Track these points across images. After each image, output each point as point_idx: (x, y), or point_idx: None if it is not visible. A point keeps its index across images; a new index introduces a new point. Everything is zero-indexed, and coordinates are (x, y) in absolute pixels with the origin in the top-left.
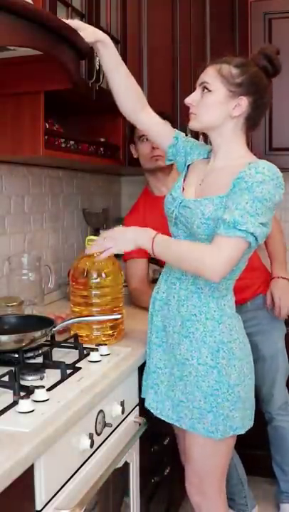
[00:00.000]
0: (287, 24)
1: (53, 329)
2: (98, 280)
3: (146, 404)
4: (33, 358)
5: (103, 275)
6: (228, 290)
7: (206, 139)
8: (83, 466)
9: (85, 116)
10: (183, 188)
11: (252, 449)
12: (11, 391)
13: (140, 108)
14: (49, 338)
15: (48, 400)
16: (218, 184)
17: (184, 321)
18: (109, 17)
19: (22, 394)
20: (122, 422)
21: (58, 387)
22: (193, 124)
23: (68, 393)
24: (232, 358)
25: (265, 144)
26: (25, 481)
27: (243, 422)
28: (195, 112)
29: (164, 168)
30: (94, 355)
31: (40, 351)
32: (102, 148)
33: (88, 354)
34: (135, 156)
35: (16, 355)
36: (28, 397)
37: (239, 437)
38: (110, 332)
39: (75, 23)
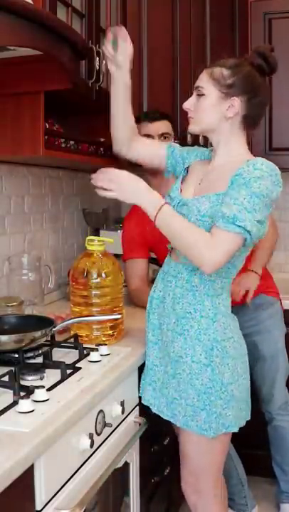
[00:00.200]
0: (287, 24)
1: (53, 329)
2: (98, 280)
3: (145, 401)
4: (33, 358)
5: (103, 275)
6: (224, 289)
7: (207, 140)
8: (83, 466)
9: (85, 116)
10: (181, 190)
11: (252, 449)
12: (11, 391)
13: (133, 134)
14: (49, 338)
15: (48, 399)
16: (217, 182)
17: (178, 318)
18: (109, 17)
19: (22, 394)
20: (122, 422)
21: (58, 387)
22: (192, 128)
23: (68, 393)
24: (226, 356)
25: (265, 144)
26: (25, 481)
27: (236, 420)
28: (192, 116)
29: (164, 168)
30: (94, 355)
31: (40, 351)
32: (102, 148)
33: (88, 354)
34: None
35: (16, 355)
36: (28, 397)
37: (239, 437)
38: (110, 332)
39: (124, 32)
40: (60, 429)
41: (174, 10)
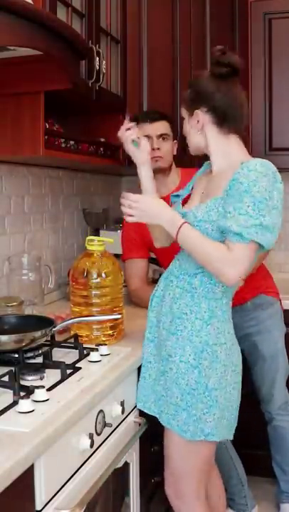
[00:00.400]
0: (287, 24)
1: (53, 329)
2: (98, 280)
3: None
4: (33, 358)
5: (103, 275)
6: (225, 294)
7: None
8: (83, 466)
9: (85, 116)
10: (185, 202)
11: (252, 449)
12: (11, 391)
13: None
14: (49, 338)
15: (48, 400)
16: (216, 188)
17: (174, 318)
18: (109, 17)
19: (22, 394)
20: (122, 422)
21: (58, 387)
22: (190, 151)
23: (68, 393)
24: (215, 361)
25: (265, 144)
26: (25, 481)
27: (218, 429)
28: (187, 141)
29: (163, 169)
30: (94, 355)
31: (40, 351)
32: (102, 148)
33: (88, 354)
34: None
35: (16, 355)
36: (28, 397)
37: (239, 437)
38: (110, 332)
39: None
40: (60, 429)
41: (174, 10)
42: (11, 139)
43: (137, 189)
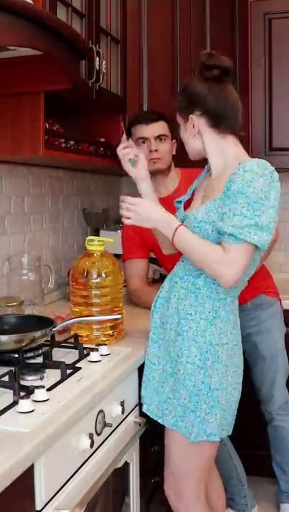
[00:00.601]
0: (287, 24)
1: (53, 329)
2: (98, 280)
3: (141, 399)
4: (33, 358)
5: (103, 275)
6: (229, 294)
7: None
8: (83, 466)
9: (85, 116)
10: (188, 205)
11: (252, 449)
12: (11, 391)
13: None
14: (49, 338)
15: (48, 400)
16: (215, 189)
17: (180, 319)
18: (109, 17)
19: (22, 394)
20: (122, 422)
21: (58, 387)
22: (189, 157)
23: (68, 393)
24: (216, 361)
25: (265, 144)
26: (25, 481)
27: (219, 430)
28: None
29: (162, 170)
30: (94, 355)
31: (40, 351)
32: (102, 148)
33: (88, 354)
34: None
35: (16, 355)
36: (28, 397)
37: (239, 437)
38: (110, 332)
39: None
40: (60, 429)
41: (174, 10)
42: (11, 139)
43: (136, 191)
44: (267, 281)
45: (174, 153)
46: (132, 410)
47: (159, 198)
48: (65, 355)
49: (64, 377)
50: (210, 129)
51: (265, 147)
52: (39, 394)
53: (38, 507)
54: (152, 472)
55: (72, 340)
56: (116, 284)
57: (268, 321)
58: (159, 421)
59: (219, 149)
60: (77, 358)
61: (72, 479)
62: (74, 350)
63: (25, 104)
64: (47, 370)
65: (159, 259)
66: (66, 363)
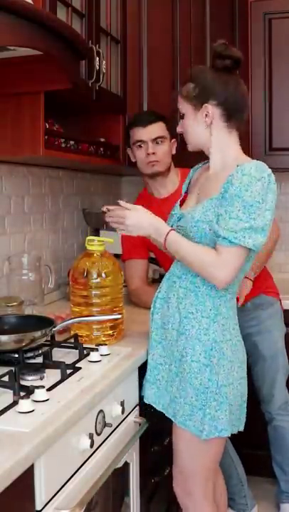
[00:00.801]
0: (287, 24)
1: (53, 329)
2: (98, 280)
3: (149, 400)
4: (33, 358)
5: (103, 275)
6: (228, 290)
7: None
8: (83, 466)
9: (85, 116)
10: (184, 201)
11: (252, 449)
12: (11, 391)
13: None
14: (49, 338)
15: (48, 400)
16: (211, 188)
17: (181, 318)
18: (109, 17)
19: (22, 394)
20: (122, 422)
21: (58, 387)
22: (188, 147)
23: (68, 393)
24: (222, 357)
25: (265, 144)
26: (25, 481)
27: (230, 425)
28: (185, 137)
29: (161, 172)
30: (94, 355)
31: (40, 351)
32: (102, 148)
33: (88, 354)
34: (133, 160)
35: (16, 355)
36: (28, 397)
37: (239, 437)
38: (110, 332)
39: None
40: (60, 429)
41: (174, 10)
42: (11, 139)
43: (136, 190)
44: (267, 281)
45: (174, 152)
46: (132, 410)
47: (160, 199)
48: (65, 355)
49: (64, 377)
50: (220, 121)
51: (265, 147)
52: (39, 394)
53: (38, 507)
54: (152, 472)
55: (72, 340)
56: (116, 284)
57: (268, 321)
58: (172, 419)
59: (221, 144)
60: (77, 358)
61: (72, 479)
62: (74, 350)
63: (25, 104)
64: (47, 370)
65: (159, 259)
66: (66, 363)
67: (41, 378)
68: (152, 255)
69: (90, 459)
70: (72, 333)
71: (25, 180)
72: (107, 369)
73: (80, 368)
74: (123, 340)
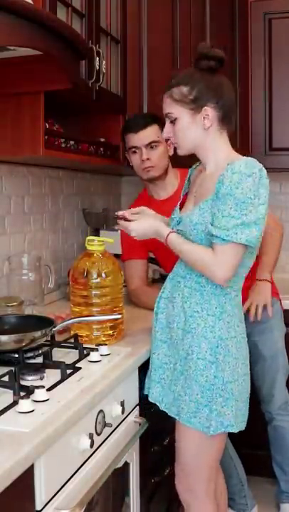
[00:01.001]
0: (287, 24)
1: (53, 329)
2: (98, 280)
3: (152, 399)
4: (33, 358)
5: (103, 275)
6: (233, 288)
7: None
8: (83, 466)
9: (85, 116)
10: (184, 203)
11: (252, 449)
12: (11, 391)
13: None
14: (49, 338)
15: (48, 400)
16: (206, 190)
17: (187, 317)
18: (109, 17)
19: (22, 394)
20: (122, 422)
21: (58, 387)
22: (180, 152)
23: (68, 393)
24: (227, 355)
25: (265, 144)
26: (25, 481)
27: (235, 420)
28: (174, 141)
29: (158, 176)
30: (94, 355)
31: (40, 351)
32: (102, 148)
33: (88, 354)
34: (132, 164)
35: (16, 355)
36: (28, 397)
37: (239, 437)
38: (110, 332)
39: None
40: (60, 429)
41: (174, 10)
42: (11, 139)
43: (135, 191)
44: None
45: (172, 153)
46: (132, 410)
47: (160, 201)
48: (65, 355)
49: (64, 377)
50: (217, 122)
51: (265, 147)
52: (39, 394)
53: (38, 507)
54: (152, 472)
55: (72, 340)
56: (116, 284)
57: (268, 321)
58: (176, 418)
59: (215, 145)
60: (77, 358)
61: (72, 479)
62: (74, 350)
63: (25, 104)
64: (47, 370)
65: (159, 259)
66: (66, 363)
67: (41, 378)
68: (152, 255)
69: (90, 459)
70: (72, 333)
71: (25, 180)
72: (107, 369)
73: (80, 368)
74: (123, 340)
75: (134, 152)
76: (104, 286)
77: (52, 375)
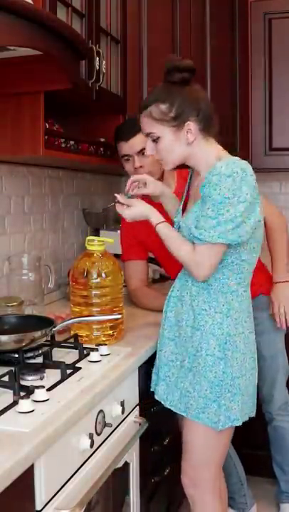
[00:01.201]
0: (287, 24)
1: (53, 329)
2: (98, 280)
3: (158, 397)
4: (33, 358)
5: (103, 275)
6: (240, 285)
7: None
8: (83, 466)
9: (85, 116)
10: (186, 204)
11: (252, 449)
12: (11, 391)
13: None
14: (49, 338)
15: (48, 400)
16: (198, 194)
17: (195, 315)
18: (109, 17)
19: (22, 394)
20: (122, 422)
21: (58, 387)
22: (167, 168)
23: (68, 393)
24: (235, 350)
25: (265, 144)
26: (25, 481)
27: (241, 414)
28: (159, 158)
29: None
30: (94, 355)
31: (40, 351)
32: (102, 148)
33: (88, 354)
34: (126, 171)
35: (16, 355)
36: (28, 397)
37: (239, 437)
38: (110, 332)
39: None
40: (60, 429)
41: (174, 10)
42: (11, 139)
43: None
44: (268, 282)
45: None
46: (132, 410)
47: (158, 203)
48: (65, 355)
49: (64, 377)
50: (200, 134)
51: (265, 147)
52: (39, 394)
53: (38, 507)
54: (152, 472)
55: (72, 340)
56: (116, 284)
57: (268, 321)
58: (184, 414)
59: (203, 152)
60: (77, 358)
61: (72, 479)
62: (74, 350)
63: (25, 104)
64: (47, 370)
65: (159, 259)
66: (66, 363)
67: (41, 378)
68: (151, 255)
69: (90, 459)
70: (72, 333)
71: (25, 180)
72: (107, 369)
73: (80, 368)
74: (123, 340)
75: (127, 160)
76: (104, 286)
77: (52, 375)
